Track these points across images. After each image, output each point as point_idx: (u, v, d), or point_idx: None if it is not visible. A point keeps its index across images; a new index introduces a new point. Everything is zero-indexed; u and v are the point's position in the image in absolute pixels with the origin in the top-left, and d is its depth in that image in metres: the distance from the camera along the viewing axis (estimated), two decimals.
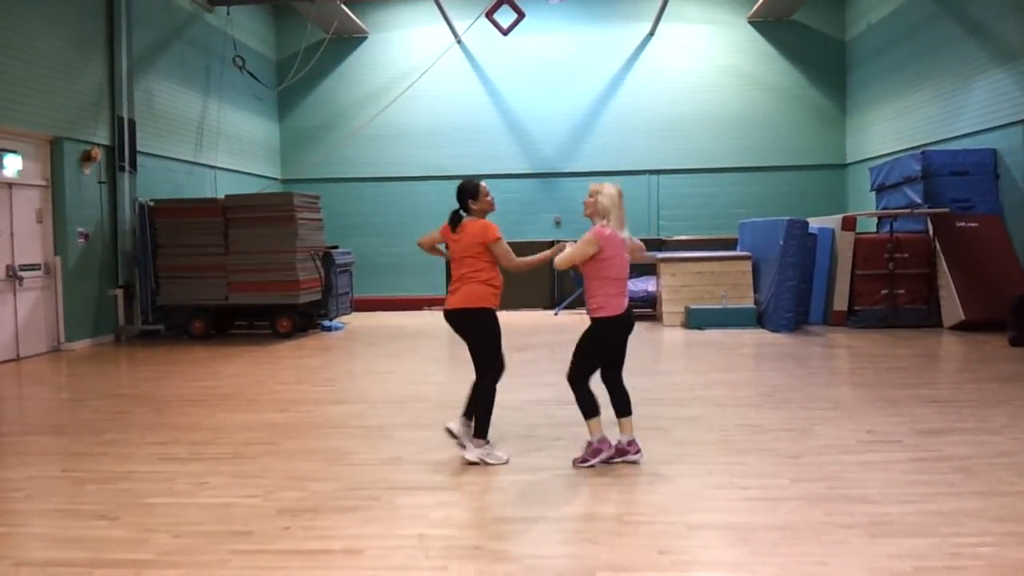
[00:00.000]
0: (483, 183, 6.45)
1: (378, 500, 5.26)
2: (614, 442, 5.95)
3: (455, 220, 6.34)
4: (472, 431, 6.06)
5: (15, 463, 6.37)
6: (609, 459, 5.88)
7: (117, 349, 13.27)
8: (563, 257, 5.91)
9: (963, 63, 14.87)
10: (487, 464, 5.92)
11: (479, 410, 6.06)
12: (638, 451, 5.96)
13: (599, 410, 5.88)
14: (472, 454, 5.98)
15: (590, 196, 5.94)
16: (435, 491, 5.40)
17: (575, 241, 5.89)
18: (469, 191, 6.32)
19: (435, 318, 17.57)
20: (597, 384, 5.94)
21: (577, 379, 5.88)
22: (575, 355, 5.95)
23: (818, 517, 4.78)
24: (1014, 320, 11.88)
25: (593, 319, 5.90)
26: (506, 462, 5.97)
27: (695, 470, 5.74)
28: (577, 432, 6.81)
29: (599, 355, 5.95)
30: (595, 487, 5.46)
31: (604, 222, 5.81)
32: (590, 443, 5.86)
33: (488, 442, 6.06)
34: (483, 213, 6.33)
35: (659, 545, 4.45)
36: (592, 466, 5.79)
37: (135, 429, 7.42)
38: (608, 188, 5.90)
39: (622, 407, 6.00)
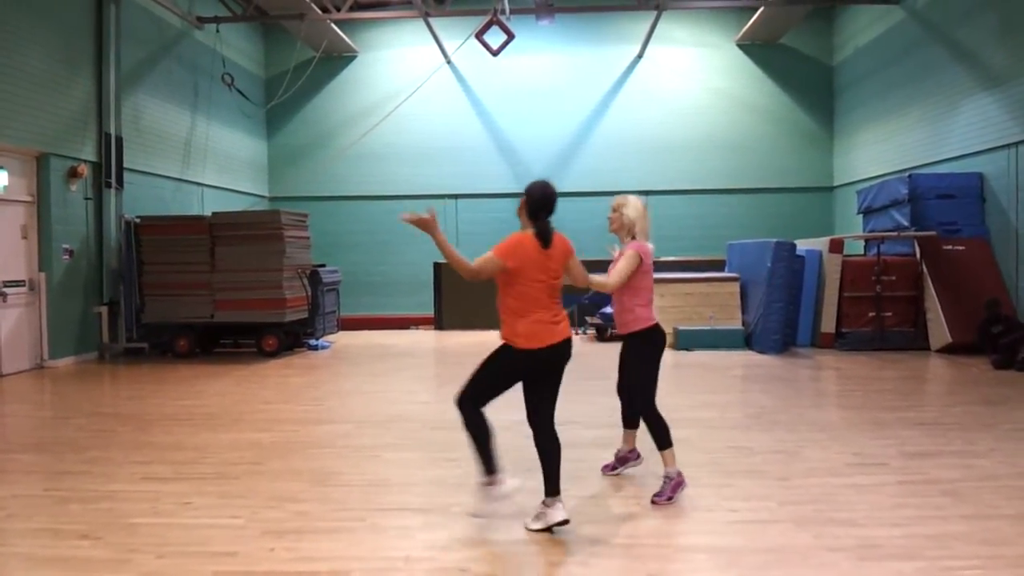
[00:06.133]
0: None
1: (364, 521, 5.21)
2: (613, 456, 6.14)
3: (549, 235, 5.08)
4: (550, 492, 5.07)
5: None
6: (610, 472, 6.10)
7: (101, 367, 13.17)
8: (616, 279, 5.58)
9: (949, 87, 15.01)
10: (544, 529, 4.99)
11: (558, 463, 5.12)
12: (639, 456, 6.20)
13: (672, 441, 5.61)
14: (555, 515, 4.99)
15: (614, 211, 5.81)
16: (421, 513, 5.35)
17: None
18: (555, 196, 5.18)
19: (422, 337, 17.61)
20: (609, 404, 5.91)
21: (648, 407, 5.63)
22: (634, 383, 5.73)
23: (806, 540, 4.76)
24: (984, 342, 12.09)
25: (632, 335, 5.71)
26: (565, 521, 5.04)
27: (684, 492, 5.71)
28: (564, 454, 6.79)
29: (655, 370, 5.69)
30: (583, 510, 5.42)
31: (630, 238, 5.75)
32: (668, 477, 5.58)
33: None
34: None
35: (648, 568, 4.42)
36: (672, 501, 5.49)
37: (118, 448, 7.35)
38: (633, 200, 5.80)
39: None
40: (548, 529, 4.91)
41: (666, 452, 5.61)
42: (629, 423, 6.10)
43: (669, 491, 5.54)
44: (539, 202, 5.05)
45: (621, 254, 5.77)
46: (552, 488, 5.01)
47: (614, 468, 6.17)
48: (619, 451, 6.18)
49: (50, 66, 12.99)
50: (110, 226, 14.34)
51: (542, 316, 4.99)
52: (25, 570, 4.55)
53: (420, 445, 7.26)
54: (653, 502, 5.51)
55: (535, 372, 5.08)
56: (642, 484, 5.87)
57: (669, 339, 14.52)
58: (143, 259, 14.26)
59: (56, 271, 13.14)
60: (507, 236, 5.03)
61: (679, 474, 5.59)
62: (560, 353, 5.04)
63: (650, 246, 5.78)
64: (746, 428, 7.91)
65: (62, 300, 13.24)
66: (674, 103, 20.73)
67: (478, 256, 4.92)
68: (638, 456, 6.15)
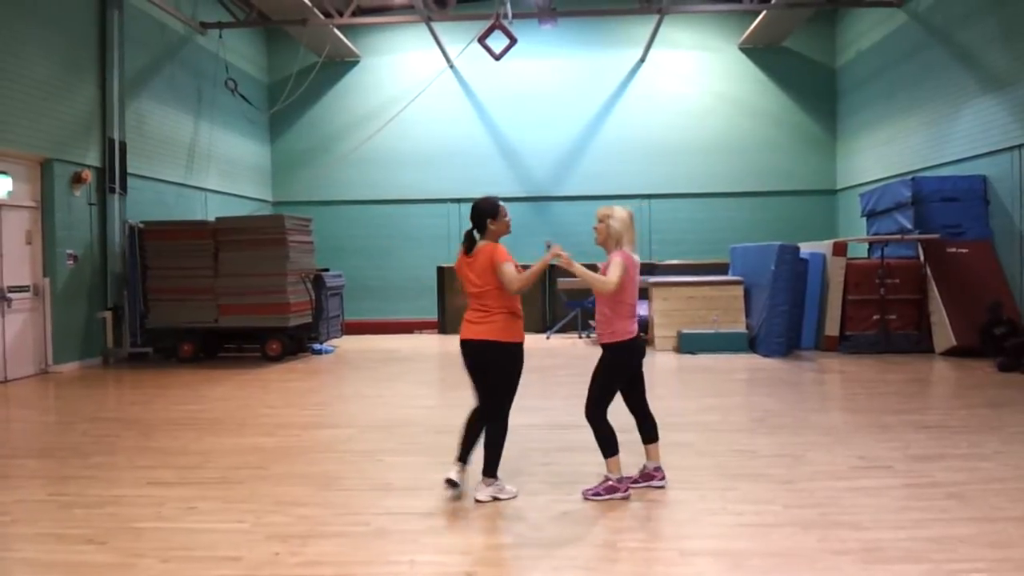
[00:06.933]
0: (502, 202, 5.92)
1: (368, 526, 5.21)
2: (638, 469, 5.98)
3: (470, 243, 5.83)
4: (483, 472, 5.75)
5: (2, 487, 6.29)
6: (632, 484, 5.83)
7: (105, 372, 13.18)
8: (612, 279, 5.57)
9: (952, 90, 14.99)
10: (498, 500, 5.67)
11: (490, 448, 5.70)
12: (663, 478, 5.95)
13: (618, 449, 5.70)
14: (483, 493, 5.67)
15: (600, 221, 5.83)
16: (425, 517, 5.35)
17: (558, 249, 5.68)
18: (488, 210, 5.79)
19: (426, 341, 17.61)
20: (619, 412, 5.88)
21: (595, 414, 5.72)
22: (591, 387, 5.79)
23: (811, 543, 4.75)
24: (987, 344, 12.15)
25: (605, 345, 5.76)
26: (515, 496, 5.74)
27: (688, 496, 5.71)
28: (569, 458, 6.80)
29: (615, 383, 5.79)
30: (587, 513, 5.42)
31: (618, 247, 5.74)
32: (607, 479, 5.69)
33: (498, 478, 5.76)
34: (498, 236, 5.83)
35: (652, 572, 4.42)
36: (602, 500, 5.62)
37: (123, 453, 7.36)
38: (619, 211, 5.81)
39: (649, 434, 5.97)
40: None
41: (610, 460, 5.72)
42: (647, 437, 5.99)
43: (600, 489, 5.68)
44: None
45: (606, 265, 5.76)
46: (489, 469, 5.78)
47: (636, 482, 5.94)
48: (645, 467, 6.01)
49: (54, 72, 13.02)
50: (114, 231, 14.35)
51: (466, 314, 5.84)
52: (30, 575, 4.55)
53: (424, 449, 7.26)
54: (584, 494, 5.71)
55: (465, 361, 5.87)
56: (646, 489, 5.85)
57: (673, 342, 14.53)
58: (147, 264, 14.27)
59: (60, 276, 13.16)
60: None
61: (620, 480, 5.69)
62: (465, 348, 5.81)
63: (636, 257, 5.79)
64: (750, 431, 7.90)
65: (66, 305, 13.26)
66: (677, 107, 20.73)
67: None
68: (663, 477, 5.95)
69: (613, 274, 5.62)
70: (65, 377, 12.54)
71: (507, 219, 5.87)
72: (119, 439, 7.97)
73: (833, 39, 20.58)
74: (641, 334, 5.87)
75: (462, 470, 5.78)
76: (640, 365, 5.93)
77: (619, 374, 5.80)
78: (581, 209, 20.15)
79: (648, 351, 14.52)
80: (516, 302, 5.75)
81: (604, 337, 5.78)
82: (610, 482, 5.67)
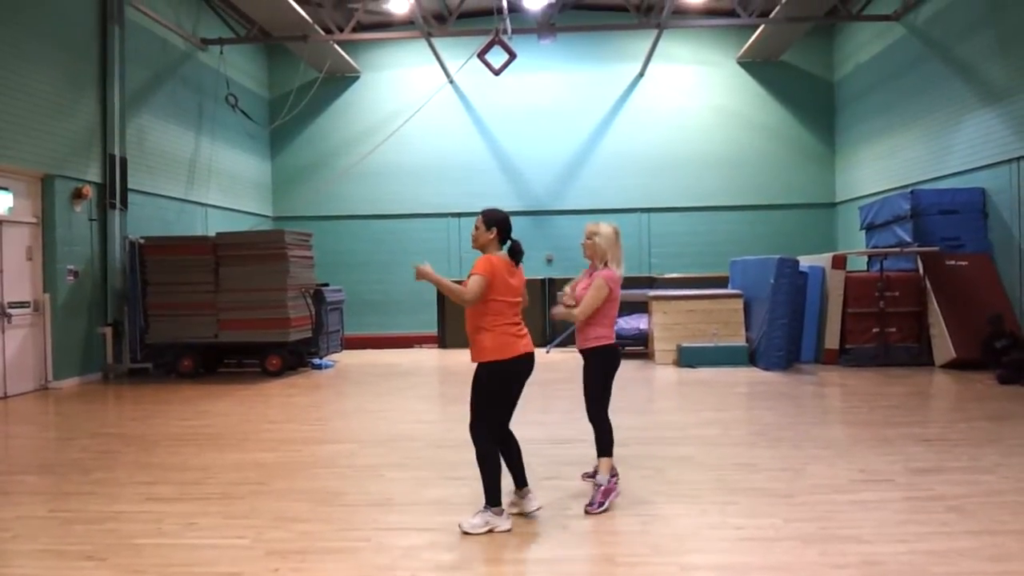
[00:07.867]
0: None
1: (368, 541, 5.20)
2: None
3: (519, 254, 5.61)
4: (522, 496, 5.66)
5: (2, 503, 6.29)
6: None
7: (105, 387, 13.17)
8: (583, 309, 5.79)
9: (951, 103, 15.04)
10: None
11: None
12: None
13: (612, 451, 5.89)
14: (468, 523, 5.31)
15: (588, 238, 5.97)
16: (426, 532, 5.34)
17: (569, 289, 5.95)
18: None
19: (426, 356, 17.59)
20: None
21: (598, 416, 5.90)
22: (587, 395, 5.98)
23: (812, 557, 4.74)
24: (988, 357, 12.14)
25: (590, 350, 5.90)
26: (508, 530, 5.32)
27: (688, 510, 5.71)
28: (569, 472, 6.79)
29: (609, 382, 5.96)
30: (588, 527, 5.42)
31: (603, 264, 5.88)
32: (598, 485, 5.78)
33: (490, 508, 5.32)
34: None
35: None
36: (604, 509, 5.64)
37: (123, 469, 7.35)
38: (604, 228, 5.94)
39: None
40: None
41: (603, 459, 5.85)
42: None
43: (600, 497, 5.72)
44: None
45: (590, 280, 5.88)
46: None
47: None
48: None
49: (55, 88, 13.06)
50: (114, 247, 14.36)
51: (516, 328, 5.73)
52: None
53: (425, 464, 7.25)
54: (586, 512, 5.65)
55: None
56: (647, 502, 5.86)
57: (673, 356, 14.53)
58: (147, 279, 14.27)
59: (60, 292, 13.16)
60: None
61: (610, 481, 5.79)
62: (530, 362, 5.80)
63: (619, 273, 5.91)
64: (750, 445, 7.89)
65: (66, 321, 13.26)
66: (675, 121, 20.81)
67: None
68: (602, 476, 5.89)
69: (585, 305, 5.83)
70: (65, 393, 12.54)
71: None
72: (119, 455, 7.97)
73: (831, 53, 20.67)
74: (620, 346, 5.99)
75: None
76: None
77: (608, 374, 5.95)
78: (580, 223, 20.00)
79: (648, 364, 14.62)
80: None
81: (590, 342, 5.93)
82: (602, 487, 5.76)
